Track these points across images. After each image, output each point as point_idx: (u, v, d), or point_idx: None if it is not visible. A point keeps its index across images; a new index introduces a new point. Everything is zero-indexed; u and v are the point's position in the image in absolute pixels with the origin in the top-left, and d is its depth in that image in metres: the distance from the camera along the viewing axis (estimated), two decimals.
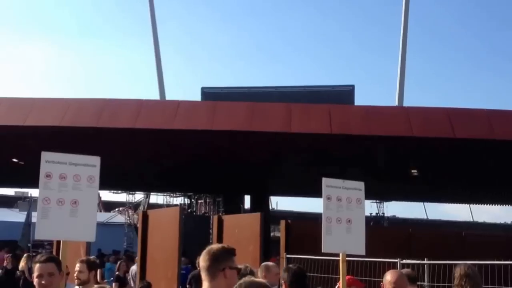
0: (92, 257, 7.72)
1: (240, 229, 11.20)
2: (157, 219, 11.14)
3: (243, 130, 16.29)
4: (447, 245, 12.80)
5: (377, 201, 42.39)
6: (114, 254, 23.41)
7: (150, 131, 16.46)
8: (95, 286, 4.69)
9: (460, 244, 13.16)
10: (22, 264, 15.54)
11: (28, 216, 24.66)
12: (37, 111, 16.66)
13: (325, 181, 6.47)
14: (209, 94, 26.19)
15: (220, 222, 11.67)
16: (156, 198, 40.29)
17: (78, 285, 6.77)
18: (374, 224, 34.97)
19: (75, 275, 6.80)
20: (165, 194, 38.01)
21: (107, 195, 42.84)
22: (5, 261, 17.74)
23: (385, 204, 43.14)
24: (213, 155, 19.17)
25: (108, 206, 42.82)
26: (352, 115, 16.99)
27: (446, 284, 9.54)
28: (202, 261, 4.13)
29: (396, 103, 23.86)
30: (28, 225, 24.38)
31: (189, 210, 35.33)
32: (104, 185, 32.81)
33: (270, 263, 7.21)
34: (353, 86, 27.48)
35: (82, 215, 5.60)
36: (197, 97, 26.53)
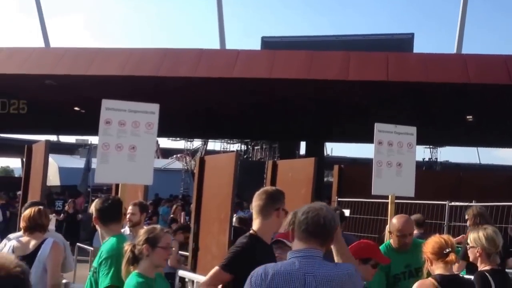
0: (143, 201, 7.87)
1: (294, 173, 11.22)
2: (214, 164, 11.27)
3: (301, 78, 16.23)
4: (497, 188, 12.60)
5: (431, 146, 41.78)
6: (170, 199, 23.87)
7: (209, 80, 16.57)
8: (146, 227, 4.80)
9: (509, 187, 12.94)
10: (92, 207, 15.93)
11: (88, 162, 25.28)
12: (99, 61, 16.97)
13: (377, 126, 6.48)
14: (269, 43, 26.07)
15: (275, 167, 11.69)
16: (214, 145, 40.80)
17: (130, 226, 7.05)
18: (427, 169, 34.43)
19: (127, 217, 6.99)
20: (222, 141, 38.28)
21: (165, 142, 43.45)
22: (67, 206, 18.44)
23: (438, 149, 42.49)
24: (270, 103, 19.20)
25: (166, 153, 43.36)
26: (409, 63, 16.74)
27: (497, 225, 9.48)
28: (257, 200, 4.25)
29: (455, 51, 23.27)
30: (87, 170, 25.02)
31: (245, 156, 35.56)
32: (162, 132, 33.19)
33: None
34: (412, 34, 26.93)
35: (140, 160, 5.80)
36: (257, 46, 26.41)
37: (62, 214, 19.16)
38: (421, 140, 30.08)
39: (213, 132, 30.53)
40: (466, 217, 7.25)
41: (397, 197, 8.21)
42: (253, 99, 18.51)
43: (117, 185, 11.61)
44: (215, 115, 21.80)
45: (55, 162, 34.68)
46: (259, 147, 35.13)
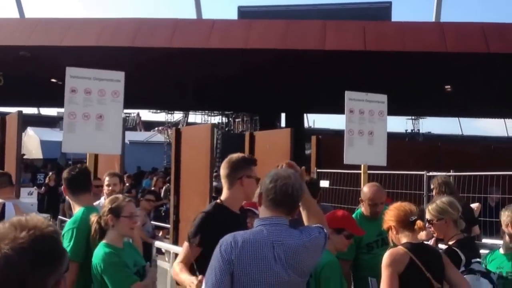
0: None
1: (271, 144, 11.18)
2: (190, 135, 11.18)
3: (278, 48, 16.06)
4: (475, 158, 12.66)
5: (413, 117, 41.87)
6: (152, 172, 23.75)
7: (185, 50, 16.35)
8: (122, 196, 4.73)
9: (488, 157, 13.00)
10: None
11: None
12: (74, 31, 16.66)
13: (348, 94, 6.41)
14: (245, 12, 25.66)
15: (252, 138, 11.65)
16: (195, 117, 40.55)
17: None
18: (409, 140, 34.58)
19: (110, 188, 6.89)
20: (203, 113, 38.06)
21: (147, 115, 43.13)
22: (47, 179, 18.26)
23: (421, 121, 42.61)
24: (248, 74, 19.01)
25: (147, 126, 43.08)
26: (386, 32, 16.61)
27: (471, 195, 9.53)
28: (222, 169, 4.18)
29: (433, 19, 23.11)
30: None
31: (226, 129, 35.44)
32: (143, 105, 33.25)
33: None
34: (390, 3, 26.68)
35: (108, 129, 5.72)
36: (234, 16, 26.09)
37: (43, 187, 19.01)
38: (402, 110, 30.19)
39: (192, 104, 30.32)
40: (432, 186, 7.23)
41: (373, 167, 8.22)
42: (231, 70, 18.30)
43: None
44: (193, 86, 21.60)
45: (36, 135, 34.38)
46: (240, 119, 34.98)
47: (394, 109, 27.20)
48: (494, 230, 8.07)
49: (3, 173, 6.27)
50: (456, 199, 5.19)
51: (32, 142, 34.15)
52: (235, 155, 4.26)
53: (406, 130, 42.88)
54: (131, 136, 37.39)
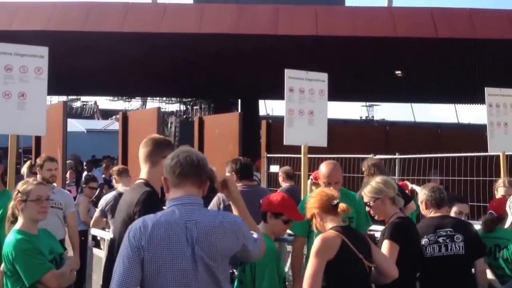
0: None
1: (220, 129, 10.92)
2: (137, 120, 10.82)
3: (230, 33, 15.71)
4: (423, 141, 12.64)
5: (367, 104, 42.09)
6: (104, 159, 23.23)
7: (136, 35, 15.85)
8: (32, 178, 4.38)
9: (435, 140, 12.99)
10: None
11: None
12: (22, 15, 16.02)
13: (287, 72, 6.15)
14: None
15: (201, 123, 11.39)
16: (153, 105, 39.95)
17: (52, 182, 6.65)
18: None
19: (51, 173, 6.56)
20: (161, 100, 37.59)
21: (104, 103, 42.43)
22: None
23: (375, 108, 42.91)
24: (202, 59, 18.59)
25: (105, 114, 42.35)
26: (338, 16, 16.38)
27: (415, 177, 9.44)
28: (143, 147, 3.85)
29: (386, 4, 22.96)
30: None
31: (184, 116, 35.01)
32: (100, 92, 32.59)
33: (239, 158, 6.91)
34: None
35: (31, 108, 5.29)
36: (189, 1, 25.57)
37: None
38: (355, 96, 30.19)
39: (149, 91, 29.81)
40: (363, 168, 7.06)
41: (318, 151, 7.99)
42: (184, 55, 17.90)
43: (36, 142, 11.05)
44: (149, 72, 21.10)
45: None
46: (198, 107, 34.56)
47: (347, 95, 27.55)
48: None
49: None
50: None
51: None
52: (157, 135, 4.03)
53: (361, 117, 43.13)
54: (88, 124, 36.76)
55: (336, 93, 26.17)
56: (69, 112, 45.47)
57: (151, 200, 3.55)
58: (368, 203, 4.59)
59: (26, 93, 5.27)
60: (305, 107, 6.13)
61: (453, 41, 15.38)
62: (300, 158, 10.35)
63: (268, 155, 11.85)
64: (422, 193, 4.94)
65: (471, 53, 16.63)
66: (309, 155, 9.48)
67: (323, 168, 5.29)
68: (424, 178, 9.59)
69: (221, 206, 5.45)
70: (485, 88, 7.35)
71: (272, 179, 11.47)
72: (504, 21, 15.10)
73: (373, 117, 43.30)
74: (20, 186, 4.09)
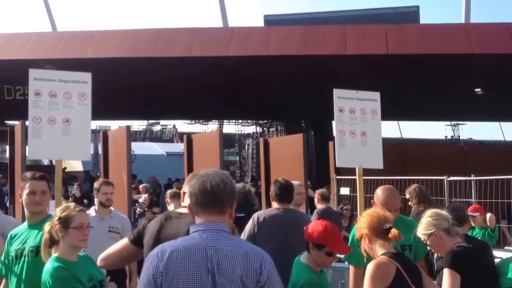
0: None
1: (285, 150, 10.79)
2: (201, 142, 10.86)
3: (297, 54, 15.63)
4: (505, 162, 12.04)
5: (452, 123, 40.71)
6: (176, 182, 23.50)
7: (204, 59, 16.05)
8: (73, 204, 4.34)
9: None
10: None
11: (96, 147, 24.95)
12: (96, 43, 16.52)
13: (336, 92, 5.94)
14: (271, 21, 25.35)
15: (266, 145, 11.30)
16: (229, 128, 40.37)
17: (109, 206, 6.70)
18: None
19: (107, 197, 6.62)
20: (237, 123, 37.78)
21: (182, 126, 43.02)
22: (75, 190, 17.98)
23: (461, 127, 41.42)
24: (272, 81, 18.60)
25: (183, 137, 42.97)
26: (409, 34, 15.96)
27: (493, 200, 8.97)
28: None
29: (463, 21, 22.25)
30: (96, 154, 24.72)
31: (261, 138, 35.06)
32: (177, 115, 33.12)
33: (296, 182, 6.72)
34: (417, 7, 25.93)
35: (76, 133, 5.33)
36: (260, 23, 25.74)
37: (70, 198, 18.93)
38: (435, 114, 29.18)
39: (222, 114, 30.05)
40: (407, 196, 6.61)
41: (383, 173, 7.70)
42: (251, 77, 17.92)
43: (104, 166, 11.23)
44: (220, 96, 21.31)
45: None
46: (274, 128, 34.47)
47: (426, 114, 26.79)
48: None
49: None
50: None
51: None
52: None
53: (446, 137, 41.67)
54: (167, 147, 37.42)
55: (412, 112, 25.70)
56: (149, 136, 46.68)
57: None
58: (425, 242, 4.37)
59: (70, 118, 5.31)
60: (356, 128, 5.89)
61: None
62: (371, 180, 10.11)
63: (338, 177, 11.58)
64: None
65: None
66: (376, 177, 9.22)
67: (380, 194, 5.01)
68: (503, 201, 9.08)
69: (255, 229, 5.29)
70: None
71: (342, 201, 11.25)
72: None
73: (459, 136, 41.64)
74: (61, 212, 4.04)
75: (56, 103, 5.31)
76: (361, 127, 5.93)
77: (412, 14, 24.73)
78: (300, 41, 15.79)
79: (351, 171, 10.58)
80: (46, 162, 33.57)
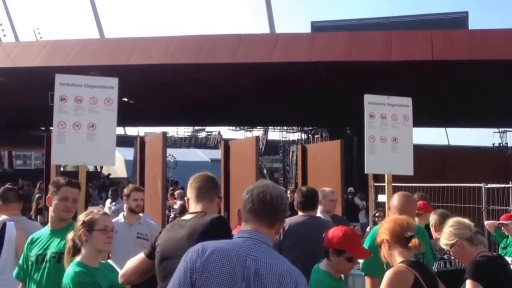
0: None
1: (323, 156, 10.67)
2: (238, 148, 10.80)
3: (342, 60, 15.44)
4: None
5: (500, 130, 39.69)
6: None
7: (249, 65, 16.01)
8: (97, 209, 4.32)
9: None
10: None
11: (136, 153, 25.18)
12: (140, 50, 16.66)
13: (367, 97, 5.80)
14: (318, 27, 25.19)
15: (304, 151, 11.20)
16: (274, 135, 40.33)
17: (138, 212, 6.64)
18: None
19: (137, 203, 6.59)
20: (282, 130, 37.69)
21: (227, 133, 43.25)
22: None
23: (509, 134, 40.38)
24: (315, 88, 18.42)
25: None
26: (455, 40, 15.57)
27: None
28: (201, 182, 3.78)
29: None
30: (135, 161, 24.93)
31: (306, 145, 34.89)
32: (222, 122, 33.26)
33: (327, 189, 6.62)
34: (466, 13, 25.38)
35: (101, 138, 5.31)
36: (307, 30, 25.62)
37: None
38: (481, 122, 28.42)
39: (267, 120, 29.99)
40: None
41: (421, 179, 7.48)
42: (296, 84, 17.81)
43: (141, 172, 11.26)
44: (264, 103, 21.26)
45: (121, 155, 35.11)
46: (319, 135, 34.24)
47: (473, 121, 26.15)
48: None
49: (10, 188, 6.00)
50: None
51: (117, 162, 34.77)
52: (212, 174, 3.94)
53: (494, 144, 40.64)
54: (212, 154, 37.63)
55: (459, 119, 25.14)
56: (194, 143, 47.08)
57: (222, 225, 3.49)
58: (448, 252, 4.27)
59: (95, 124, 5.29)
60: (387, 134, 5.74)
61: None
62: (410, 187, 9.89)
63: (376, 184, 11.37)
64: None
65: None
66: (412, 184, 9.03)
67: (396, 200, 4.85)
68: None
69: (281, 237, 5.19)
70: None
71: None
72: None
73: (506, 143, 40.54)
74: (85, 216, 4.03)
75: (82, 108, 5.31)
76: (392, 133, 5.79)
77: (461, 20, 24.24)
78: (345, 47, 15.60)
79: (395, 178, 10.44)
80: (91, 168, 34.33)
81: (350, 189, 17.27)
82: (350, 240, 4.08)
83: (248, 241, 2.69)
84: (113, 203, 13.33)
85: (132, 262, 3.81)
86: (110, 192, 14.10)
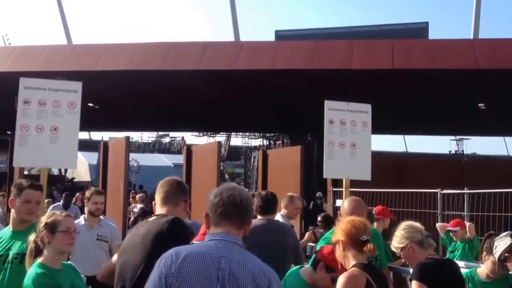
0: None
1: (283, 162, 10.74)
2: (200, 153, 10.81)
3: (304, 68, 15.55)
4: (502, 176, 11.99)
5: (456, 138, 40.54)
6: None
7: (213, 72, 16.02)
8: (59, 211, 4.29)
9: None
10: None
11: (99, 157, 25.00)
12: (107, 56, 16.55)
13: (327, 103, 5.89)
14: (282, 36, 25.35)
15: (265, 157, 11.24)
16: (237, 140, 40.40)
17: (98, 215, 6.63)
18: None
19: (97, 206, 6.53)
20: (244, 136, 37.78)
21: (191, 139, 42.99)
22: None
23: (465, 142, 41.28)
24: (278, 95, 18.51)
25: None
26: (415, 49, 15.83)
27: (485, 213, 9.06)
28: (167, 187, 3.82)
29: (471, 36, 22.05)
30: (99, 165, 24.76)
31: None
32: (186, 127, 33.20)
33: (296, 196, 6.72)
34: (427, 23, 25.85)
35: (63, 142, 5.30)
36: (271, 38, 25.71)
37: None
38: (439, 129, 28.94)
39: (230, 127, 29.98)
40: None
41: (380, 184, 7.58)
42: (259, 91, 17.88)
43: (103, 175, 11.17)
44: (228, 110, 21.28)
45: (85, 159, 34.77)
46: (280, 142, 34.36)
47: (433, 129, 26.59)
48: None
49: None
50: None
51: (81, 166, 34.57)
52: (179, 179, 3.99)
53: (450, 151, 41.53)
54: (175, 159, 37.59)
55: (417, 126, 25.51)
56: (158, 148, 46.92)
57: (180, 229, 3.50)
58: (398, 254, 4.33)
59: (58, 127, 5.29)
60: (346, 139, 5.85)
61: None
62: (368, 192, 10.01)
63: (334, 189, 11.51)
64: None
65: None
66: (369, 189, 9.16)
67: (347, 205, 4.92)
68: (495, 214, 8.98)
69: None
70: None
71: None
72: None
73: (462, 151, 41.44)
74: (47, 218, 4.01)
75: (45, 111, 5.31)
76: (351, 138, 5.90)
77: (421, 30, 24.71)
78: (308, 56, 15.72)
79: (353, 183, 10.58)
80: (55, 171, 33.85)
81: (319, 193, 17.37)
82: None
83: (220, 243, 2.72)
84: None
85: (109, 262, 3.89)
86: (63, 196, 13.82)
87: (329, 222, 8.24)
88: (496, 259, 4.31)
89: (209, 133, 36.83)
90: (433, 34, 36.67)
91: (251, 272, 2.66)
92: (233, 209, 2.80)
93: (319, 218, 9.23)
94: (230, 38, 21.42)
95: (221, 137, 37.99)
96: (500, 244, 4.28)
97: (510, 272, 4.41)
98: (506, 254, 4.22)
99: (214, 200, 2.84)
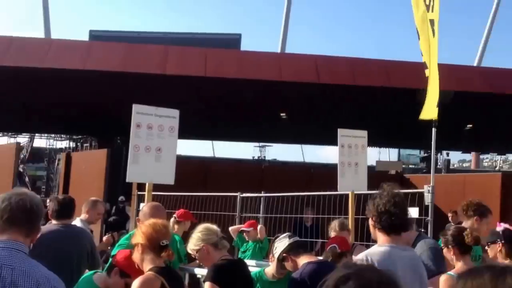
0: None
1: (88, 165, 10.55)
2: None
3: (116, 70, 15.27)
4: (297, 180, 13.00)
5: (259, 144, 42.54)
6: None
7: (18, 69, 15.07)
8: None
9: (309, 179, 13.47)
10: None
11: None
12: None
13: (135, 107, 6.05)
14: (97, 37, 24.80)
15: (69, 159, 10.95)
16: (41, 142, 38.79)
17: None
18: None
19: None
20: (49, 137, 36.34)
21: None
22: None
23: (268, 148, 43.56)
24: (87, 96, 17.81)
25: None
26: (227, 59, 16.40)
27: (278, 215, 9.92)
28: None
29: (279, 50, 23.11)
30: None
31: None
32: None
33: (99, 199, 7.02)
34: (239, 35, 26.87)
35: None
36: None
37: None
38: (243, 136, 29.78)
39: (33, 128, 28.69)
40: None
41: (185, 188, 7.67)
42: (69, 91, 17.13)
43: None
44: (32, 110, 20.10)
45: None
46: (88, 144, 33.25)
47: (240, 135, 27.44)
48: (309, 249, 7.90)
49: None
50: None
51: None
52: None
53: (253, 157, 43.58)
54: None
55: (226, 133, 26.20)
56: None
57: None
58: (194, 257, 4.46)
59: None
60: (152, 144, 6.09)
61: (334, 87, 15.68)
62: (171, 196, 10.11)
63: (139, 192, 11.51)
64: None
65: (352, 98, 17.06)
66: (173, 193, 9.32)
67: (147, 210, 5.10)
68: (286, 216, 9.83)
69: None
70: (338, 130, 7.55)
71: None
72: (381, 70, 15.81)
73: (264, 157, 43.68)
74: None
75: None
76: (157, 143, 6.20)
77: (234, 41, 25.62)
78: (121, 58, 15.48)
79: (157, 187, 10.67)
80: None
81: (121, 197, 17.11)
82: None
83: (4, 251, 2.59)
84: None
85: None
86: None
87: None
88: (275, 259, 4.55)
89: (9, 133, 34.57)
90: (246, 46, 38.17)
91: (35, 280, 2.55)
92: (23, 214, 2.69)
93: None
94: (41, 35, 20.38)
95: (23, 138, 35.98)
96: (279, 245, 4.51)
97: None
98: (284, 254, 4.47)
99: (1, 205, 2.70)
